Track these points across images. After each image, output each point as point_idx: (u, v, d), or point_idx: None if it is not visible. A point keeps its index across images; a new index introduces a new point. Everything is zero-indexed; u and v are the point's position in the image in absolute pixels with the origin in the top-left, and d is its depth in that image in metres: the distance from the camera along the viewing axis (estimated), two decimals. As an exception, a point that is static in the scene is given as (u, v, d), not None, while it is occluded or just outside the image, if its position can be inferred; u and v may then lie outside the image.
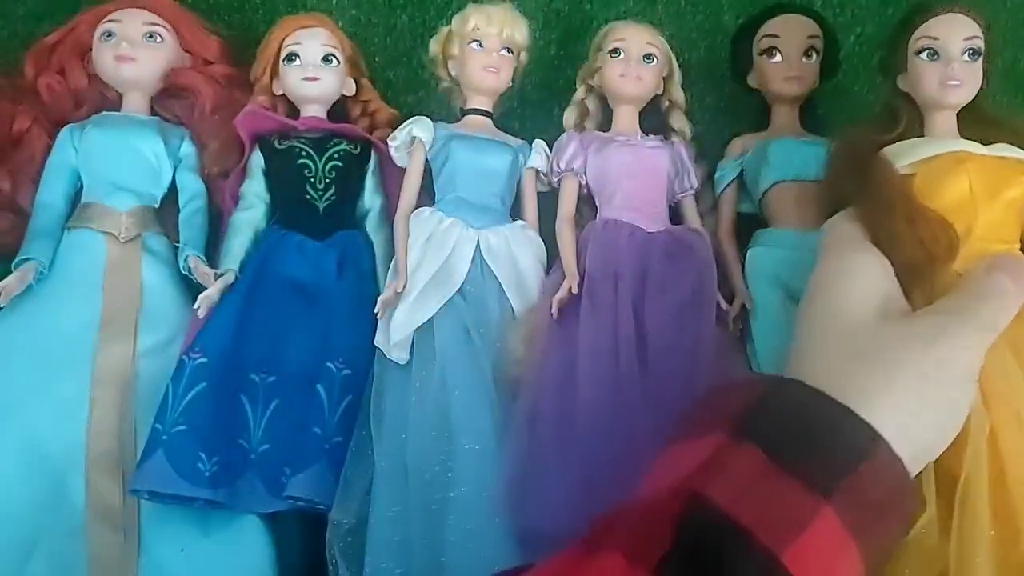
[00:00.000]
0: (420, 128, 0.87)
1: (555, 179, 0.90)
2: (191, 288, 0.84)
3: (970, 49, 0.76)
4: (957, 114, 0.79)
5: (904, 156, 0.75)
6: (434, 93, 0.98)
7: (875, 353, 0.54)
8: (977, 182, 0.72)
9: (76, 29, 0.90)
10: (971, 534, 0.60)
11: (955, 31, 0.76)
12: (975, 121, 0.79)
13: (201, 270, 0.82)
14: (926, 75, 0.77)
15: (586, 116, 0.94)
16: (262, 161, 0.88)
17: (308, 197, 0.86)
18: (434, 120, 0.89)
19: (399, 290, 0.78)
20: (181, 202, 0.88)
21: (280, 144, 0.88)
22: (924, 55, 0.77)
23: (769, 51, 0.92)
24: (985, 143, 0.76)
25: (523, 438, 0.73)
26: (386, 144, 0.88)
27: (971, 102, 0.79)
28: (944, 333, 0.56)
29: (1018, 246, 0.75)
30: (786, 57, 0.91)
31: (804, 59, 0.91)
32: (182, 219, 0.87)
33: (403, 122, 0.88)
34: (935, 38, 0.76)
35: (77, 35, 0.90)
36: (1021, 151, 0.76)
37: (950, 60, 0.76)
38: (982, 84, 0.78)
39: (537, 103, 1.00)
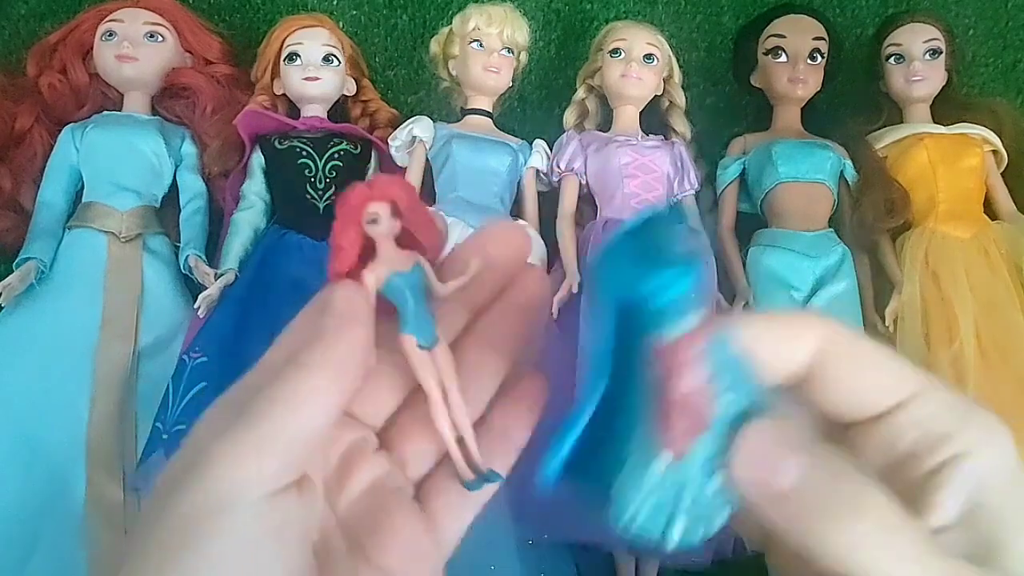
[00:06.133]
0: (421, 128, 0.87)
1: (555, 179, 0.90)
2: (191, 287, 0.84)
3: (930, 49, 0.92)
4: (934, 103, 0.94)
5: (881, 141, 0.93)
6: (434, 93, 0.98)
7: None
8: (935, 155, 0.89)
9: (77, 28, 0.90)
10: None
11: (916, 36, 0.92)
12: (950, 107, 0.94)
13: (201, 269, 0.82)
14: (893, 75, 0.93)
15: (586, 116, 0.94)
16: (263, 161, 0.88)
17: (308, 197, 0.86)
18: (434, 120, 0.89)
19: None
20: (182, 202, 0.88)
21: (281, 144, 0.88)
22: (892, 60, 0.93)
23: (775, 51, 0.92)
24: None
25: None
26: (387, 144, 0.89)
27: (945, 92, 0.94)
28: None
29: (981, 210, 0.90)
30: (792, 58, 0.91)
31: (809, 61, 0.92)
32: (183, 219, 0.87)
33: (403, 122, 0.89)
34: (899, 44, 0.93)
35: (79, 34, 0.90)
36: (980, 128, 0.91)
37: (912, 60, 0.91)
38: (951, 78, 0.93)
39: (537, 103, 1.01)
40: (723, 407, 0.19)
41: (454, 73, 0.91)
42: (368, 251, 0.24)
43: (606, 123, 0.94)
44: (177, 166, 0.89)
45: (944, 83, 0.93)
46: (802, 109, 0.94)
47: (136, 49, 0.87)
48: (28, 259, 0.80)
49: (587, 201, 0.91)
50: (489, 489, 0.25)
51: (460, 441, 0.24)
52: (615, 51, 0.89)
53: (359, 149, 0.89)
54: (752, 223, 0.92)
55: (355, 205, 0.23)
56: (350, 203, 0.23)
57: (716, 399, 0.19)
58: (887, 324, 0.82)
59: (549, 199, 0.90)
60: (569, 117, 0.93)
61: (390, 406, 0.25)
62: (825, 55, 0.92)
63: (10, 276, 0.78)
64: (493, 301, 0.25)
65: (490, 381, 0.25)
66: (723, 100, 1.02)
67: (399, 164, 0.89)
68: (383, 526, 0.23)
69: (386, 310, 0.24)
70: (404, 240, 0.24)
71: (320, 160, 0.87)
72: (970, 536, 0.19)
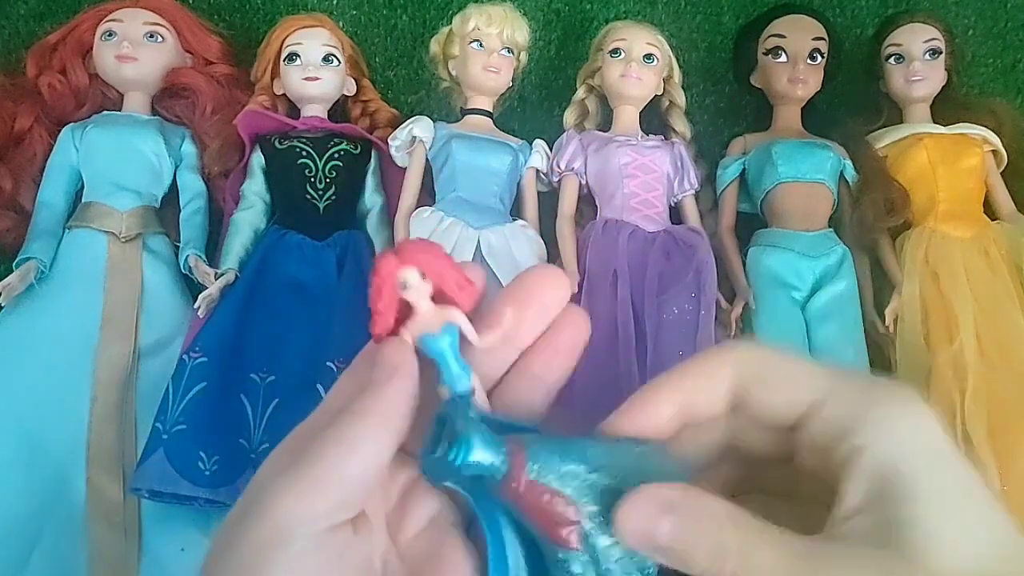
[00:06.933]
0: (421, 128, 0.87)
1: (555, 179, 0.90)
2: (191, 288, 0.84)
3: (930, 49, 0.92)
4: (933, 103, 0.94)
5: (881, 141, 0.93)
6: (434, 93, 0.98)
7: None
8: (935, 155, 0.89)
9: (77, 28, 0.90)
10: None
11: (916, 36, 0.92)
12: (950, 107, 0.94)
13: (201, 269, 0.82)
14: (893, 75, 0.93)
15: (586, 116, 0.94)
16: (263, 161, 0.88)
17: (308, 197, 0.86)
18: (434, 120, 0.89)
19: (399, 289, 0.78)
20: (182, 202, 0.88)
21: (280, 144, 0.88)
22: (892, 60, 0.93)
23: (775, 51, 0.92)
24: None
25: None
26: (387, 144, 0.88)
27: (945, 92, 0.94)
28: None
29: (981, 210, 0.90)
30: (791, 58, 0.91)
31: (809, 61, 0.92)
32: (183, 219, 0.87)
33: (403, 122, 0.88)
34: (899, 44, 0.93)
35: (78, 34, 0.90)
36: (980, 128, 0.91)
37: (912, 60, 0.91)
38: (951, 78, 0.93)
39: (537, 103, 1.01)
40: (579, 495, 0.23)
41: (454, 73, 0.91)
42: (406, 311, 0.26)
43: (606, 123, 0.94)
44: (177, 166, 0.89)
45: (944, 83, 0.93)
46: (802, 109, 0.94)
47: (136, 49, 0.87)
48: (28, 259, 0.79)
49: (587, 201, 0.91)
50: None
51: None
52: (615, 51, 0.89)
53: (359, 149, 0.89)
54: (752, 223, 0.92)
55: (384, 274, 0.25)
56: (380, 272, 0.25)
57: (565, 494, 0.22)
58: (887, 324, 0.82)
59: (549, 199, 0.90)
60: (569, 117, 0.93)
61: None
62: (825, 55, 0.92)
63: (10, 276, 0.78)
64: (537, 341, 0.27)
65: (536, 420, 0.27)
66: (723, 100, 1.02)
67: (399, 164, 0.89)
68: (440, 561, 0.25)
69: (430, 360, 0.26)
70: (440, 297, 0.26)
71: (320, 160, 0.87)
72: (875, 519, 0.21)
